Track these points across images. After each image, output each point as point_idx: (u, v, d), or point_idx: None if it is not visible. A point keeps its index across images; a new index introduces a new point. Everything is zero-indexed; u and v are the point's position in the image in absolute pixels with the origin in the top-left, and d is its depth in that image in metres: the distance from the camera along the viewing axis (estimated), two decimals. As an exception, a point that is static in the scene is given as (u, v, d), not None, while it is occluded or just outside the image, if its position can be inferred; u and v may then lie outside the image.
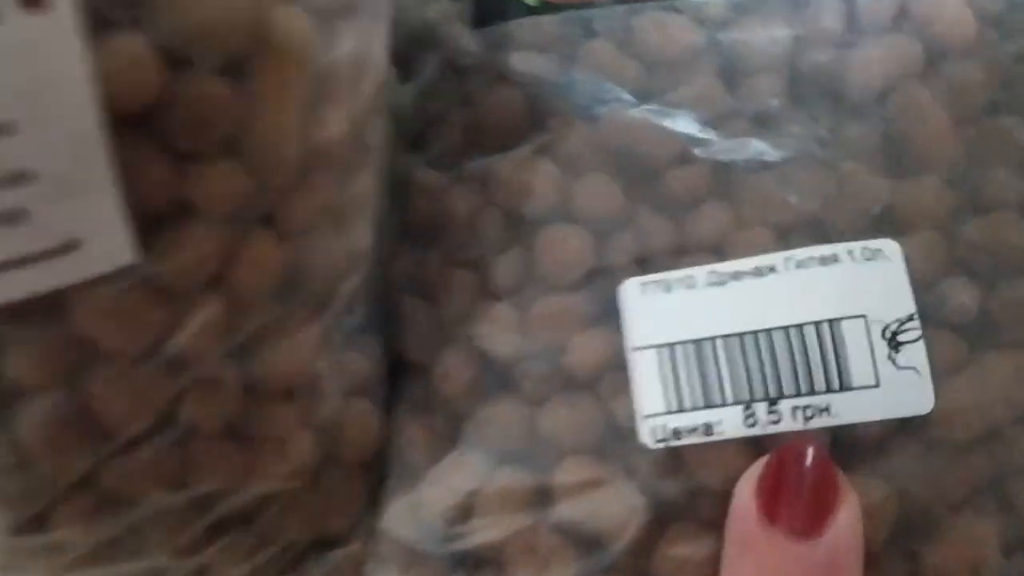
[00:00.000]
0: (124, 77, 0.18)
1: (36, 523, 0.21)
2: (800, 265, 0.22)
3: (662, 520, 0.21)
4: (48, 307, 0.18)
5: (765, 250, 0.22)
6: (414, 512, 0.23)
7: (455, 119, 0.26)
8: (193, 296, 0.20)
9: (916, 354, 0.21)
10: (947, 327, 0.21)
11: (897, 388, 0.21)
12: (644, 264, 0.23)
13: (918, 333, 0.21)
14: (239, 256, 0.20)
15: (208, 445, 0.21)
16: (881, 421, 0.21)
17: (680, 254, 0.23)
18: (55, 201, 0.18)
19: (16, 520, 0.21)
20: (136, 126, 0.18)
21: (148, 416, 0.20)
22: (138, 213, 0.19)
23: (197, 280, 0.20)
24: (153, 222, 0.19)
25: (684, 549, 0.21)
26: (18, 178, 0.17)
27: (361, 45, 0.22)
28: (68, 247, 0.18)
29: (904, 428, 0.21)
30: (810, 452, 0.20)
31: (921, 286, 0.22)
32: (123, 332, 0.19)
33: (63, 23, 0.17)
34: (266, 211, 0.21)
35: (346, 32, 0.22)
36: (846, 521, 0.20)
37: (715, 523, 0.21)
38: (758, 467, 0.20)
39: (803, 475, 0.20)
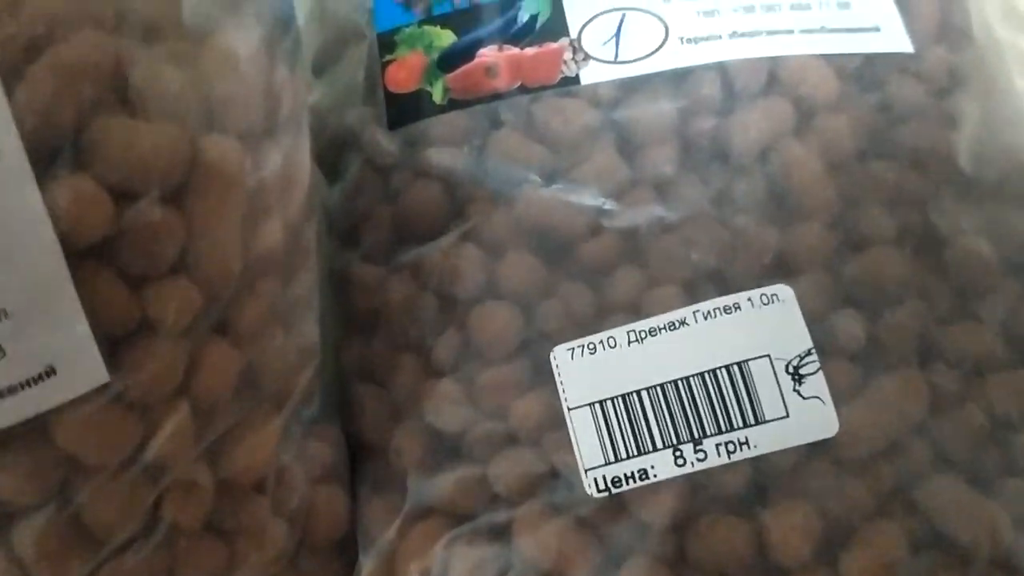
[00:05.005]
0: (79, 214, 0.20)
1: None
2: (707, 316, 0.24)
3: (613, 561, 0.23)
4: (31, 431, 0.20)
5: (675, 305, 0.25)
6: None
7: (382, 214, 0.28)
8: (162, 406, 0.22)
9: (818, 384, 0.24)
10: (842, 356, 0.24)
11: (805, 416, 0.23)
12: (570, 329, 0.25)
13: (817, 365, 0.24)
14: (199, 364, 0.22)
15: (191, 542, 0.23)
16: (795, 448, 0.23)
17: (601, 317, 0.25)
18: (28, 335, 0.19)
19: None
20: (93, 257, 0.20)
21: (134, 521, 0.22)
22: (105, 335, 0.20)
23: (164, 390, 0.22)
24: (119, 342, 0.21)
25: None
26: (-10, 319, 0.19)
27: (287, 159, 0.24)
28: (45, 375, 0.20)
29: (815, 452, 0.23)
30: None
31: (815, 322, 0.24)
32: (102, 446, 0.21)
33: (13, 168, 0.19)
34: (219, 320, 0.22)
35: (272, 150, 0.24)
36: None
37: (662, 557, 0.23)
38: None
39: None
